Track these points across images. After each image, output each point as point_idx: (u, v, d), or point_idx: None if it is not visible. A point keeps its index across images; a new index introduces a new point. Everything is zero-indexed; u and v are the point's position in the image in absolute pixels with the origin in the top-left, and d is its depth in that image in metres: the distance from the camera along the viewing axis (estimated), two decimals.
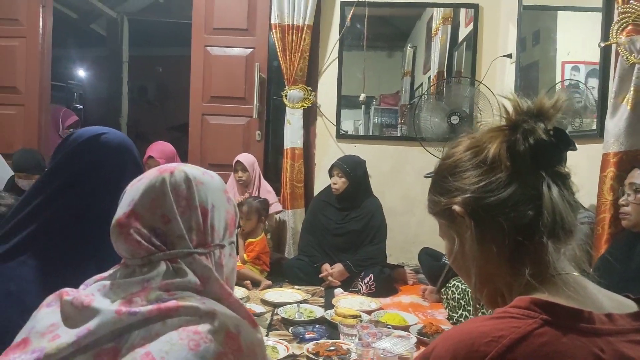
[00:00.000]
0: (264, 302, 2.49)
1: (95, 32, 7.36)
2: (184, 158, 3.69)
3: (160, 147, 3.36)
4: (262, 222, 3.01)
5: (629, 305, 0.66)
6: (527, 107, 0.71)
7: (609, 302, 0.65)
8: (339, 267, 2.86)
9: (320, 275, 2.86)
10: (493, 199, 0.69)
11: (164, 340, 0.67)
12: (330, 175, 3.04)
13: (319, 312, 2.31)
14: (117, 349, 0.67)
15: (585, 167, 2.27)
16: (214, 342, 0.67)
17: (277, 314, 2.29)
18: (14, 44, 3.47)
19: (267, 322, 2.22)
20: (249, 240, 2.97)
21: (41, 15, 3.48)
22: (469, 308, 2.20)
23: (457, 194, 0.72)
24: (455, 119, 3.07)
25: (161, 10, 6.63)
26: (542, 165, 0.68)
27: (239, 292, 2.64)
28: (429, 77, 3.96)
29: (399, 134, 3.85)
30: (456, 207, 0.71)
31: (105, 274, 0.77)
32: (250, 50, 3.57)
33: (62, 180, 1.08)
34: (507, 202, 0.68)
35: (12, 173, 3.17)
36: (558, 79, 2.87)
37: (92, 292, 0.72)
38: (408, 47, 4.36)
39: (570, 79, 2.78)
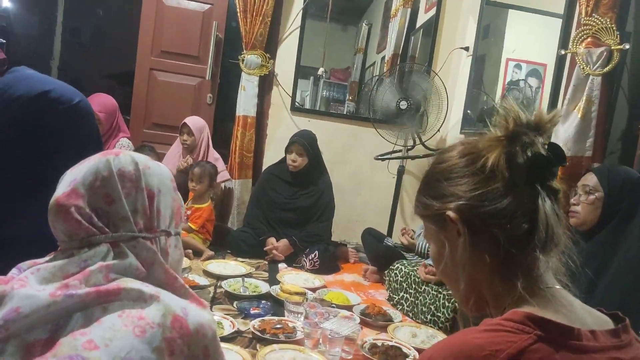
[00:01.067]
0: (207, 274, 2.43)
1: None
2: (125, 113, 3.46)
3: (101, 100, 3.11)
4: (212, 188, 2.91)
5: (606, 321, 0.70)
6: (526, 119, 0.71)
7: (590, 317, 0.68)
8: (284, 242, 2.84)
9: (265, 249, 2.83)
10: (489, 208, 0.69)
11: (106, 326, 0.62)
12: (288, 152, 2.98)
13: (264, 287, 2.29)
14: (52, 340, 0.62)
15: None
16: (161, 327, 0.64)
17: (220, 287, 2.25)
18: None
19: (211, 295, 2.17)
20: (195, 205, 2.87)
21: None
22: (410, 290, 2.27)
23: (452, 199, 0.72)
24: (404, 105, 3.10)
25: None
26: (537, 178, 0.69)
27: None
28: (383, 58, 3.96)
29: (345, 111, 3.85)
30: (450, 213, 0.71)
31: (41, 260, 0.70)
32: (209, 6, 3.37)
33: None
34: (503, 213, 0.69)
35: None
36: (501, 75, 2.99)
37: (25, 275, 0.66)
38: (364, 24, 4.30)
39: (512, 77, 2.91)
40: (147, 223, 0.72)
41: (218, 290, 2.23)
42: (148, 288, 0.67)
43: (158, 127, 3.43)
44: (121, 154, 0.74)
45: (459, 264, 0.73)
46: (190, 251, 2.71)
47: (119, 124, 3.24)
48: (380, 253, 2.77)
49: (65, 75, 6.91)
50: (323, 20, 3.62)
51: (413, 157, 3.29)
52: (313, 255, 2.75)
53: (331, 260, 2.86)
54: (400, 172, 3.35)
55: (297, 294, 2.18)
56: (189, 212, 2.88)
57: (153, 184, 0.74)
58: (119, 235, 0.70)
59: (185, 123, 3.14)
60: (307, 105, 3.75)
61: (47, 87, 1.00)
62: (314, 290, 2.35)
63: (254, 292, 2.22)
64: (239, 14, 3.29)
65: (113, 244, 0.70)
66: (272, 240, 2.86)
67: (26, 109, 0.96)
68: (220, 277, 2.38)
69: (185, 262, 2.54)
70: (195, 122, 3.18)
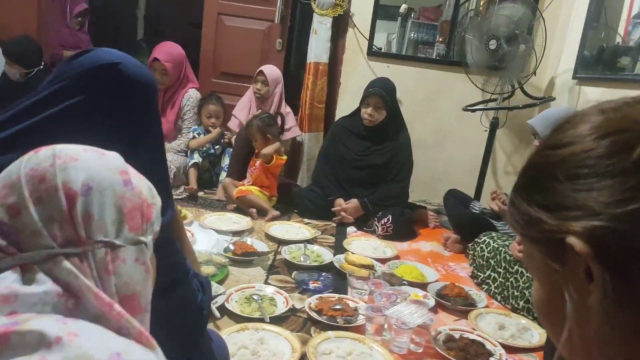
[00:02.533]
0: (268, 237, 2.25)
1: None
2: (196, 64, 3.31)
3: (167, 49, 2.98)
4: (269, 141, 2.68)
5: None
6: None
7: None
8: (354, 202, 2.58)
9: (332, 209, 2.60)
10: None
11: None
12: (364, 104, 2.65)
13: (327, 256, 2.07)
14: None
15: None
16: None
17: (280, 254, 2.06)
18: None
19: (269, 262, 2.00)
20: (266, 165, 2.67)
21: None
22: (499, 269, 1.93)
23: (580, 215, 0.39)
24: (493, 44, 2.59)
25: None
26: None
27: (242, 221, 2.41)
28: None
29: (434, 55, 3.38)
30: (575, 241, 0.39)
31: None
32: None
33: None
34: None
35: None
36: (626, 5, 2.37)
37: None
38: None
39: None
40: (69, 234, 0.49)
41: (277, 258, 2.04)
42: (58, 327, 0.44)
43: (227, 76, 3.25)
44: (42, 149, 0.52)
45: (579, 320, 0.41)
46: (254, 210, 2.56)
47: (186, 75, 3.10)
48: (465, 220, 2.41)
49: (153, 26, 6.98)
50: None
51: (511, 108, 2.80)
52: (386, 220, 2.47)
53: (407, 225, 2.56)
54: (494, 124, 2.88)
55: (363, 266, 1.94)
56: (252, 169, 2.71)
57: (75, 180, 0.50)
58: (28, 256, 0.48)
59: (261, 71, 2.92)
60: (394, 49, 3.33)
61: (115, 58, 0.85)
62: (384, 261, 2.09)
63: (316, 261, 2.01)
64: None
65: (24, 268, 0.47)
66: (340, 201, 2.61)
67: None
68: (281, 242, 2.19)
69: (248, 223, 2.39)
70: (271, 71, 2.94)
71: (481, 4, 3.23)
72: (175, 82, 3.03)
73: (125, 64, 0.83)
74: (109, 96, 0.81)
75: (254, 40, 3.15)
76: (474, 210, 2.51)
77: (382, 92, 2.60)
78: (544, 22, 2.65)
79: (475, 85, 2.84)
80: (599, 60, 2.55)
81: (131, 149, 0.68)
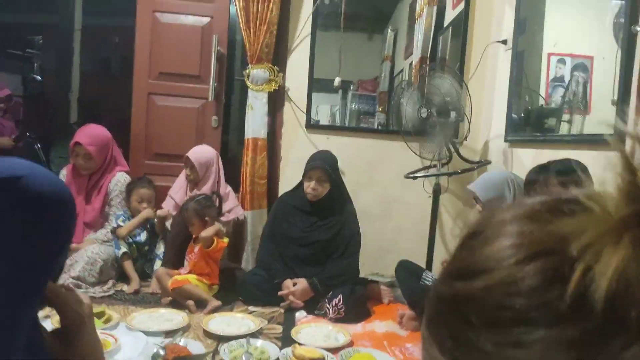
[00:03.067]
0: (207, 334, 2.01)
1: None
2: (127, 146, 3.14)
3: (90, 131, 2.79)
4: (207, 224, 2.49)
5: None
6: None
7: None
8: (302, 284, 2.40)
9: (279, 293, 2.39)
10: None
11: None
12: (307, 178, 2.55)
13: (273, 351, 1.85)
14: None
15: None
16: None
17: (219, 353, 1.82)
18: None
19: None
20: (205, 250, 2.46)
21: None
22: None
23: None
24: (424, 112, 2.62)
25: None
26: None
27: (177, 317, 2.15)
28: (411, 63, 3.53)
29: (376, 123, 3.42)
30: None
31: None
32: (208, 19, 3.02)
33: None
34: None
35: None
36: (544, 71, 2.50)
37: None
38: (389, 30, 3.94)
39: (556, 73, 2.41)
40: None
41: (216, 359, 1.80)
42: None
43: (161, 157, 3.08)
44: None
45: None
46: (191, 302, 2.31)
47: (114, 157, 2.91)
48: (418, 295, 2.28)
49: (86, 108, 6.81)
50: (345, 28, 3.21)
51: (450, 174, 2.79)
52: (337, 301, 2.29)
53: (359, 304, 2.39)
54: (437, 191, 2.85)
55: None
56: (190, 256, 2.49)
57: None
58: None
59: (187, 157, 2.77)
60: (338, 120, 3.34)
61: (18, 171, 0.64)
62: (335, 351, 1.89)
63: (260, 359, 1.78)
64: (241, 25, 2.92)
65: None
66: (288, 282, 2.42)
67: None
68: (221, 339, 1.95)
69: (183, 319, 2.13)
70: (200, 155, 2.80)
71: (413, 74, 3.33)
72: (101, 166, 2.83)
73: (29, 177, 0.66)
74: (16, 216, 0.63)
75: (188, 118, 3.04)
76: (426, 282, 2.38)
77: (324, 165, 2.52)
78: (468, 90, 2.73)
79: (414, 152, 2.83)
80: (527, 122, 2.61)
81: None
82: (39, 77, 9.47)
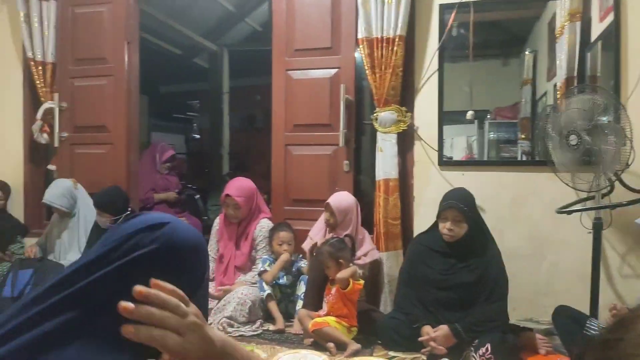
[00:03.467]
0: None
1: (199, 66, 7.60)
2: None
3: (238, 184, 3.09)
4: (342, 266, 2.53)
5: None
6: None
7: None
8: (444, 329, 2.27)
9: (420, 339, 2.30)
10: None
11: None
12: (441, 219, 2.46)
13: None
14: None
15: None
16: None
17: None
18: (102, 82, 3.46)
19: None
20: (342, 291, 2.50)
21: (126, 52, 3.44)
22: None
23: None
24: (573, 139, 2.34)
25: (260, 39, 6.58)
26: None
27: (318, 359, 2.19)
28: (555, 85, 3.24)
29: (519, 152, 3.17)
30: None
31: None
32: (335, 70, 3.17)
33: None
34: None
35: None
36: None
37: None
38: (527, 53, 3.70)
39: None
40: None
41: None
42: None
43: (298, 202, 3.25)
44: None
45: None
46: (332, 345, 2.33)
47: (258, 206, 3.15)
48: (581, 344, 1.99)
49: (233, 160, 7.56)
50: (476, 57, 3.13)
51: (613, 206, 2.45)
52: (484, 350, 2.12)
53: (511, 354, 2.17)
54: (598, 225, 2.51)
55: None
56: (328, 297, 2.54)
57: None
58: None
59: (328, 203, 2.88)
60: (475, 151, 3.20)
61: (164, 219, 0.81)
62: None
63: None
64: (367, 71, 3.01)
65: None
66: (428, 329, 2.31)
67: None
68: None
69: (325, 359, 2.16)
70: (339, 202, 2.89)
71: (558, 97, 3.06)
72: (248, 214, 3.08)
73: (174, 225, 0.77)
74: (156, 255, 0.74)
75: (321, 165, 3.18)
76: (591, 331, 2.08)
77: (458, 204, 2.41)
78: (626, 110, 2.40)
79: (566, 184, 2.55)
80: None
81: None
82: (197, 136, 10.82)
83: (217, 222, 3.25)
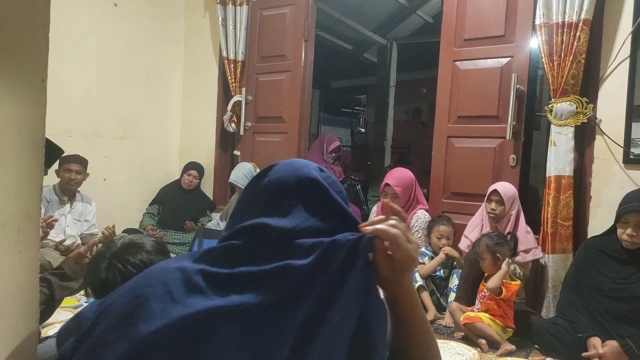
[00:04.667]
0: None
1: (368, 60, 7.86)
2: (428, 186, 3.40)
3: (397, 174, 3.17)
4: (498, 261, 2.43)
5: None
6: None
7: None
8: (613, 346, 2.04)
9: (584, 354, 2.10)
10: None
11: None
12: (622, 222, 2.21)
13: None
14: None
15: None
16: None
17: None
18: (282, 77, 3.85)
19: None
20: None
21: (303, 49, 3.77)
22: None
23: None
24: None
25: (431, 32, 6.53)
26: None
27: (468, 353, 2.17)
28: None
29: None
30: None
31: None
32: (507, 59, 3.02)
33: None
34: None
35: None
36: None
37: None
38: None
39: None
40: None
41: None
42: None
43: (457, 195, 3.20)
44: None
45: None
46: (483, 341, 2.28)
47: (417, 197, 3.20)
48: None
49: (395, 153, 7.66)
50: None
51: None
52: None
53: None
54: None
55: None
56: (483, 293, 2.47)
57: None
58: None
59: (495, 189, 2.79)
60: None
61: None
62: None
63: None
64: (543, 59, 2.81)
65: None
66: (596, 341, 2.10)
67: None
68: None
69: (474, 355, 2.13)
70: (506, 189, 2.78)
71: None
72: (405, 204, 3.14)
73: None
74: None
75: (484, 158, 3.07)
76: None
77: None
78: None
79: None
80: None
81: None
82: (363, 130, 11.20)
83: (375, 210, 3.38)
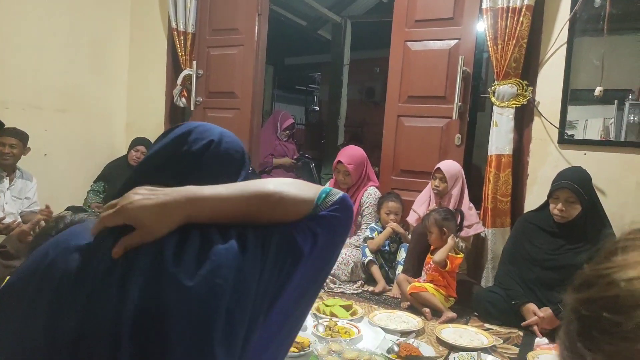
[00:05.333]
0: (439, 341, 2.08)
1: (322, 38, 7.82)
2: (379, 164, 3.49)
3: (349, 152, 3.24)
4: (444, 235, 2.57)
5: None
6: None
7: None
8: (547, 312, 2.22)
9: (524, 324, 2.27)
10: None
11: None
12: (553, 198, 2.38)
13: None
14: None
15: None
16: None
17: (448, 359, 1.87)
18: (234, 52, 3.79)
19: None
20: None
21: (257, 23, 3.72)
22: None
23: None
24: None
25: (384, 11, 6.58)
26: None
27: (412, 321, 2.29)
28: None
29: None
30: None
31: None
32: (455, 41, 3.12)
33: None
34: None
35: None
36: None
37: None
38: None
39: None
40: None
41: None
42: None
43: (406, 173, 3.31)
44: None
45: None
46: (427, 310, 2.42)
47: (368, 174, 3.28)
48: None
49: (349, 131, 7.74)
50: (626, 30, 2.86)
51: None
52: None
53: None
54: None
55: None
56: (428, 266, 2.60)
57: None
58: None
59: (439, 168, 2.91)
60: (612, 136, 2.96)
61: None
62: None
63: None
64: (488, 42, 2.93)
65: None
66: (534, 307, 2.27)
67: None
68: (453, 348, 1.99)
69: (418, 323, 2.26)
70: (449, 167, 2.91)
71: None
72: (357, 181, 3.22)
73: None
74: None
75: (432, 137, 3.19)
76: None
77: (573, 185, 2.30)
78: None
79: None
80: None
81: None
82: (317, 108, 11.20)
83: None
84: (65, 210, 3.20)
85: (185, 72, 3.91)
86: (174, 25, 3.91)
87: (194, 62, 3.87)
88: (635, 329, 0.29)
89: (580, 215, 2.30)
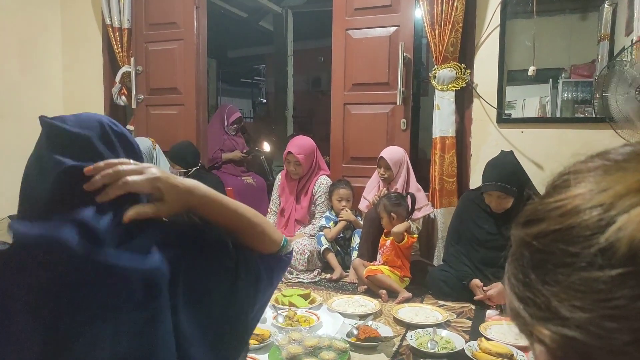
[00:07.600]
0: (396, 321, 2.14)
1: (264, 29, 7.75)
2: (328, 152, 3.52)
3: (299, 142, 3.24)
4: (394, 220, 2.65)
5: None
6: None
7: None
8: (498, 286, 2.33)
9: (475, 298, 2.37)
10: None
11: None
12: (487, 194, 2.45)
13: (458, 342, 1.87)
14: None
15: None
16: None
17: (406, 339, 1.93)
18: (174, 46, 3.69)
19: (394, 348, 1.88)
20: (397, 244, 2.63)
21: (195, 16, 3.63)
22: None
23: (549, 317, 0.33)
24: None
25: (324, 0, 6.58)
26: None
27: (370, 304, 2.35)
28: (632, 40, 3.05)
29: (595, 113, 3.06)
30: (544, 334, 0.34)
31: None
32: (394, 28, 3.18)
33: None
34: None
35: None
36: None
37: None
38: (606, 5, 3.47)
39: None
40: None
41: (403, 344, 1.91)
42: None
43: (355, 160, 3.36)
44: None
45: None
46: (384, 292, 2.48)
47: (318, 163, 3.30)
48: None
49: (297, 122, 7.73)
50: (554, 11, 3.02)
51: None
52: None
53: None
54: None
55: (500, 355, 1.70)
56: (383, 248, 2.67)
57: None
58: None
59: (382, 157, 2.98)
60: (548, 113, 3.11)
61: None
62: (527, 350, 1.80)
63: (445, 348, 1.83)
64: (426, 28, 3.01)
65: None
66: (477, 281, 2.38)
67: None
68: (409, 326, 2.06)
69: (376, 305, 2.31)
70: (392, 154, 2.98)
71: (634, 53, 2.90)
72: (308, 171, 3.24)
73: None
74: None
75: (378, 123, 3.25)
76: None
77: (501, 185, 2.36)
78: None
79: (627, 142, 2.47)
80: None
81: None
82: (264, 100, 11.09)
83: (279, 178, 3.44)
84: (6, 218, 3.04)
85: (124, 69, 3.77)
86: (108, 21, 3.75)
87: (132, 59, 3.73)
88: (592, 258, 0.31)
89: (515, 202, 2.39)
